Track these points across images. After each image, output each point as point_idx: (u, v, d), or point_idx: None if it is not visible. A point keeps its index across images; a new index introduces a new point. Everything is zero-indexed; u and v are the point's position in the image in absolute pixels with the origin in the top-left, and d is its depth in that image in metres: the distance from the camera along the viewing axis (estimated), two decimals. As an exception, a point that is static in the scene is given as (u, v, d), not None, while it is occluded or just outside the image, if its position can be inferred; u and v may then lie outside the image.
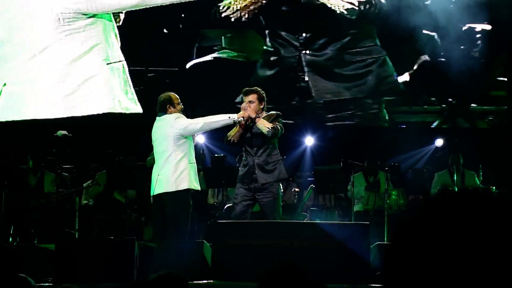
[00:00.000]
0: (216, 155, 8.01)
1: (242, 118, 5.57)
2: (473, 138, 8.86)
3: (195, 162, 5.67)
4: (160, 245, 5.35)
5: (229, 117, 5.58)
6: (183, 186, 5.51)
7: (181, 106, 5.74)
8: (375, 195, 7.57)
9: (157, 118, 5.76)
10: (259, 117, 5.62)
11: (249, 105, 5.64)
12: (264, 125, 5.56)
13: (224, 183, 7.50)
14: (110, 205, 7.80)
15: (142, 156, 7.76)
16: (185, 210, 5.55)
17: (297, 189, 8.41)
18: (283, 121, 5.78)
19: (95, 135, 9.08)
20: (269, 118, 5.68)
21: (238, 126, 5.63)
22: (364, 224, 5.39)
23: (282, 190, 8.07)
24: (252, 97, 5.67)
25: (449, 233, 0.88)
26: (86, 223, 7.57)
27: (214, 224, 5.37)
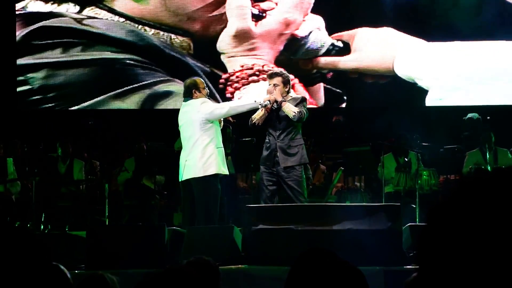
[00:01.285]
0: (243, 139, 8.02)
1: (268, 102, 5.58)
2: (506, 115, 8.70)
3: (222, 146, 5.70)
4: (190, 230, 5.38)
5: (255, 101, 5.62)
6: (211, 171, 5.54)
7: (206, 90, 5.78)
8: (406, 176, 7.51)
9: (183, 103, 5.79)
10: (285, 101, 5.63)
11: (275, 88, 5.65)
12: (290, 109, 5.57)
13: (253, 167, 7.52)
14: (139, 191, 7.88)
15: (171, 142, 7.80)
16: (214, 195, 5.59)
17: (326, 171, 8.39)
18: (307, 105, 5.80)
19: (124, 122, 9.20)
20: (294, 102, 5.67)
21: (263, 110, 5.65)
22: (395, 205, 5.37)
23: (310, 173, 8.13)
24: (277, 80, 5.67)
25: (485, 214, 0.87)
26: (115, 209, 7.64)
27: (244, 209, 5.39)
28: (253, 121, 5.69)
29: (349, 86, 9.07)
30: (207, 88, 5.80)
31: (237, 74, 8.93)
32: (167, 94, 8.92)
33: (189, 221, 5.68)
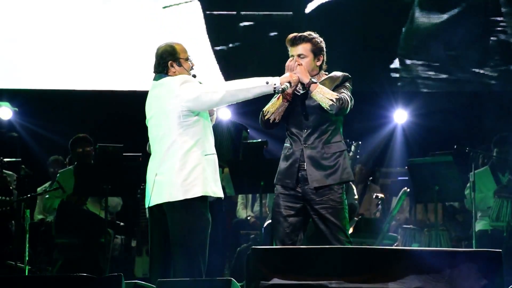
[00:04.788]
0: (249, 141, 8.04)
1: (287, 84, 5.58)
2: None
3: (215, 153, 5.69)
4: (162, 285, 5.43)
5: (267, 82, 5.57)
6: (196, 192, 5.54)
7: (190, 63, 5.75)
8: (512, 205, 7.54)
9: (153, 82, 5.75)
10: (316, 82, 5.64)
11: (299, 62, 5.67)
12: (324, 95, 5.60)
13: (263, 186, 7.57)
14: (80, 223, 7.93)
15: (133, 144, 7.87)
16: (200, 229, 5.60)
17: (381, 195, 8.42)
18: (352, 88, 5.78)
19: (59, 110, 9.27)
20: (331, 83, 5.72)
21: (281, 97, 5.65)
22: (494, 252, 5.35)
23: (356, 197, 8.14)
24: (304, 48, 5.71)
25: None
26: (43, 250, 7.68)
27: (248, 252, 5.44)
28: (267, 116, 5.74)
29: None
30: (191, 59, 5.77)
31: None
32: None
33: (161, 271, 5.70)
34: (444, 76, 10.14)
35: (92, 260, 7.72)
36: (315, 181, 5.67)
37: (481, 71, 10.04)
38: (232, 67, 10.06)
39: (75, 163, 8.24)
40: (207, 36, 10.09)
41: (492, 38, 10.21)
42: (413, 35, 10.20)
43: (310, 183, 5.68)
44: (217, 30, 10.24)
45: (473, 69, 10.04)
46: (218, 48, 10.33)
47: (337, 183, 5.70)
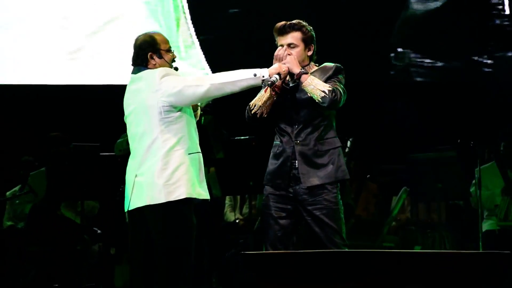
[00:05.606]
0: (237, 138, 7.98)
1: (277, 76, 5.52)
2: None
3: (199, 151, 5.65)
4: (143, 296, 5.36)
5: (255, 74, 5.50)
6: (179, 194, 5.48)
7: (172, 54, 5.72)
8: (522, 204, 7.54)
9: (131, 76, 5.72)
10: (307, 73, 5.61)
11: (289, 52, 5.64)
12: (316, 87, 5.56)
13: (252, 186, 7.46)
14: (53, 228, 7.85)
15: (110, 143, 7.73)
16: (184, 234, 5.55)
17: (378, 194, 8.36)
18: (345, 80, 5.73)
19: (32, 107, 9.19)
20: (323, 74, 5.67)
21: (269, 89, 5.58)
22: (501, 255, 5.31)
23: (353, 196, 8.04)
24: (294, 37, 5.68)
25: None
26: (14, 259, 7.64)
27: (237, 258, 5.35)
28: (254, 110, 5.69)
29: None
30: (172, 51, 5.76)
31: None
32: None
33: (143, 280, 5.63)
34: (440, 64, 10.17)
35: (67, 270, 7.68)
36: (308, 180, 5.63)
37: (479, 59, 10.06)
38: (218, 57, 10.03)
39: (48, 164, 8.18)
40: (191, 24, 10.03)
41: (490, 23, 10.29)
42: (408, 23, 10.21)
43: (303, 182, 5.64)
44: (202, 18, 10.21)
45: (469, 57, 10.08)
46: (203, 37, 10.45)
47: (332, 182, 5.66)
